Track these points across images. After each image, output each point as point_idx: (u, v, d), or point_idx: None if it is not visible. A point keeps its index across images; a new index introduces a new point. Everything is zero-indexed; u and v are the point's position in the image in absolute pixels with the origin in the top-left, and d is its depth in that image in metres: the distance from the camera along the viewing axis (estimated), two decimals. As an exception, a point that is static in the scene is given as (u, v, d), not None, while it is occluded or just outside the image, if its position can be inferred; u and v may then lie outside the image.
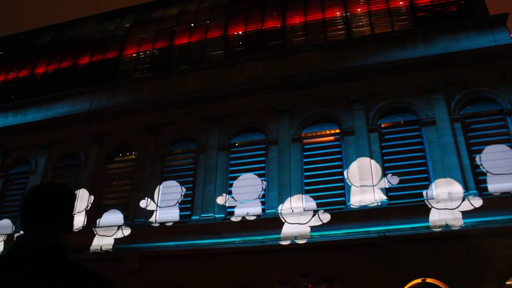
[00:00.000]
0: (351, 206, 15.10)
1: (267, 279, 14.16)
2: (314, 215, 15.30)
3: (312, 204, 15.69)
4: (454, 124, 15.46)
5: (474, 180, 14.46)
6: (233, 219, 16.32)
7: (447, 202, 14.15)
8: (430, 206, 14.29)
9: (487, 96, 15.75)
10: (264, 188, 16.53)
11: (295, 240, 14.84)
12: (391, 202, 14.97)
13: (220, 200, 16.78)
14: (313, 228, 15.00)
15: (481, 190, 14.32)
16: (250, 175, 16.97)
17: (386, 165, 15.57)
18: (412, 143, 15.91)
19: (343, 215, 15.08)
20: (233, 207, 16.68)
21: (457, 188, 14.28)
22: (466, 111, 15.87)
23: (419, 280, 13.60)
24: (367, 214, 14.68)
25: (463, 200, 14.02)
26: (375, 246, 13.78)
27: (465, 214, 13.78)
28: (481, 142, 15.11)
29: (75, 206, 2.51)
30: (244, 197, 16.64)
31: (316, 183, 16.08)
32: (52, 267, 2.14)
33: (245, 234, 15.52)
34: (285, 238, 15.03)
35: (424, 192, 14.69)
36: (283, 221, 15.48)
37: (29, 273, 2.09)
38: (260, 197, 16.50)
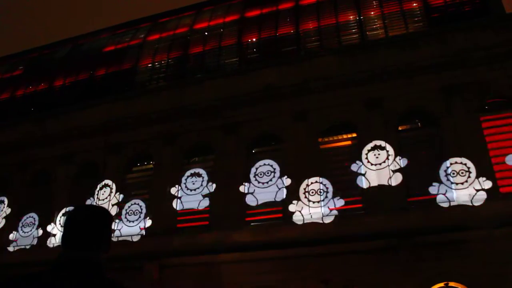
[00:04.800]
0: (370, 210, 14.98)
1: (287, 286, 14.14)
2: (333, 220, 15.21)
3: (332, 209, 15.59)
4: (472, 125, 15.26)
5: (496, 182, 14.22)
6: (252, 226, 16.31)
7: (468, 204, 13.93)
8: (450, 209, 14.09)
9: (506, 96, 15.52)
10: (282, 194, 16.49)
11: (315, 246, 14.74)
12: (411, 205, 14.81)
13: (238, 207, 16.79)
14: (333, 233, 14.89)
15: (504, 191, 14.08)
16: (268, 181, 16.93)
17: (404, 168, 15.40)
18: (430, 145, 15.73)
19: (362, 219, 14.96)
20: (252, 213, 16.68)
21: (478, 190, 14.06)
22: (485, 112, 15.64)
23: (441, 284, 13.41)
24: (386, 218, 14.53)
25: (484, 202, 13.79)
26: (396, 250, 13.62)
27: (488, 216, 13.53)
28: (501, 143, 14.86)
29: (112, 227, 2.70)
30: (263, 204, 16.62)
31: (335, 188, 15.97)
32: (89, 284, 2.28)
33: (264, 241, 15.48)
34: (305, 244, 14.94)
35: (444, 195, 14.48)
36: (303, 227, 15.41)
37: None
38: (278, 203, 16.45)
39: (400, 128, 16.51)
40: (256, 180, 17.13)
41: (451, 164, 14.73)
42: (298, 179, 16.33)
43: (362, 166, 15.85)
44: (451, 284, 13.35)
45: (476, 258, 12.95)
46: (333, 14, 20.17)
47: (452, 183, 14.52)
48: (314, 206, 15.71)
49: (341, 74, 17.40)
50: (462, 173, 14.48)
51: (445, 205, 14.25)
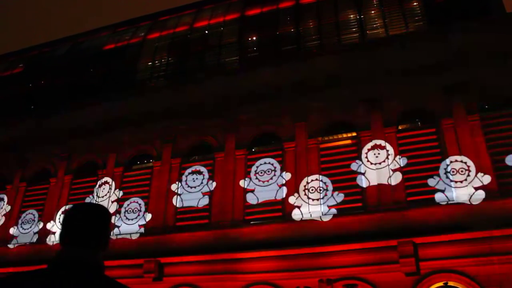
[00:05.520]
0: (371, 209, 15.00)
1: (287, 285, 14.16)
2: (333, 218, 15.23)
3: (331, 207, 15.61)
4: (473, 124, 15.26)
5: (496, 181, 14.23)
6: (252, 224, 16.34)
7: (468, 203, 13.95)
8: (450, 207, 14.10)
9: (507, 96, 15.51)
10: (282, 192, 16.51)
11: (315, 244, 14.76)
12: (411, 204, 14.83)
13: (238, 205, 16.81)
14: (334, 232, 14.91)
15: (503, 191, 14.09)
16: (268, 179, 16.96)
17: (404, 166, 15.43)
18: (431, 145, 15.72)
19: (363, 218, 14.98)
20: (252, 212, 16.71)
21: (478, 189, 14.08)
22: (486, 111, 15.64)
23: (441, 284, 13.42)
24: (388, 217, 14.55)
25: (484, 201, 13.81)
26: (397, 249, 13.62)
27: (487, 215, 13.55)
28: (502, 142, 14.87)
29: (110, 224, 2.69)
30: (263, 202, 16.65)
31: (334, 187, 15.99)
32: (89, 283, 2.28)
33: (264, 239, 15.51)
34: (304, 242, 14.96)
35: (444, 194, 14.50)
36: (302, 225, 15.43)
37: None
38: (278, 201, 16.47)
39: (400, 128, 16.51)
40: (256, 178, 17.16)
41: (451, 162, 14.75)
42: (298, 178, 16.36)
43: (362, 165, 15.87)
44: (451, 283, 13.36)
45: (475, 257, 12.98)
46: (333, 13, 20.14)
47: (451, 181, 14.54)
48: (314, 204, 15.74)
49: (341, 73, 17.40)
50: (461, 171, 14.51)
51: (444, 203, 14.26)
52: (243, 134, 18.24)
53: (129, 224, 18.17)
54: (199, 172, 18.37)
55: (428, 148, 15.61)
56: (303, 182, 16.19)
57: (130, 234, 17.84)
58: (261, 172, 17.23)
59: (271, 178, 16.95)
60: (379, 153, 15.81)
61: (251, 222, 16.53)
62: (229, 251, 15.64)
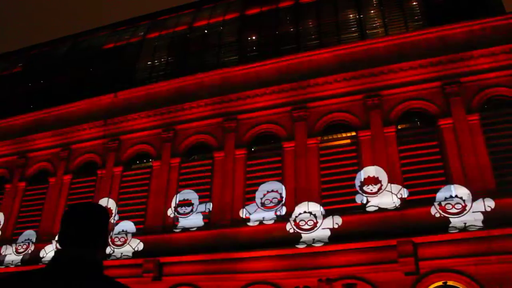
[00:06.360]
0: (370, 209, 15.00)
1: (286, 284, 14.16)
2: (332, 219, 15.22)
3: (330, 208, 15.61)
4: (472, 124, 15.26)
5: (494, 181, 14.24)
6: (250, 224, 16.33)
7: (467, 203, 13.95)
8: (449, 207, 14.10)
9: (506, 95, 15.53)
10: (281, 193, 16.50)
11: (314, 244, 14.77)
12: (410, 204, 14.82)
13: (236, 205, 16.81)
14: (333, 232, 14.92)
15: (502, 190, 14.10)
16: (268, 180, 16.95)
17: (403, 166, 15.43)
18: (429, 144, 15.72)
19: (362, 218, 14.98)
20: (251, 212, 16.70)
21: (476, 189, 14.08)
22: (484, 111, 15.64)
23: (440, 283, 13.43)
24: (386, 216, 14.56)
25: (483, 201, 13.81)
26: (396, 249, 13.62)
27: (486, 215, 13.56)
28: (500, 141, 14.88)
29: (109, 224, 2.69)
30: (262, 202, 16.64)
31: (333, 187, 16.00)
32: (88, 283, 2.28)
33: (263, 238, 15.51)
34: (304, 242, 14.97)
35: (443, 193, 14.50)
36: (301, 225, 15.43)
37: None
38: (277, 202, 16.47)
39: (399, 127, 16.51)
40: (255, 177, 17.17)
41: (449, 161, 14.76)
42: (297, 177, 16.36)
43: (361, 164, 15.87)
44: (450, 282, 13.36)
45: (474, 257, 12.98)
46: (333, 12, 20.14)
47: (450, 179, 14.55)
48: (312, 204, 15.74)
49: (340, 72, 17.39)
50: (460, 170, 14.52)
51: (442, 204, 14.27)
52: (242, 133, 18.23)
53: (129, 224, 18.16)
54: (198, 172, 18.36)
55: (427, 148, 15.61)
56: (302, 182, 16.17)
57: (130, 233, 17.83)
58: (261, 172, 17.23)
59: (270, 178, 16.93)
60: (378, 153, 15.80)
61: (250, 223, 16.50)
62: (228, 250, 15.64)
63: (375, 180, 15.37)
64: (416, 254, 13.51)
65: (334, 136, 17.33)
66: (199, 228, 17.03)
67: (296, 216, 15.61)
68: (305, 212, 15.62)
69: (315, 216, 15.37)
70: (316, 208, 15.63)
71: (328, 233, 14.94)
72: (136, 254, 17.06)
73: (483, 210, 13.67)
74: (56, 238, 18.22)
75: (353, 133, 16.87)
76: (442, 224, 13.77)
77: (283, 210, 16.14)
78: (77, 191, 20.30)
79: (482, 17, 16.83)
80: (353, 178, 15.83)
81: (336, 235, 14.70)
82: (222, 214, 16.82)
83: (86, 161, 20.90)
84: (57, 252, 2.40)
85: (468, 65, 15.98)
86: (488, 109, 15.72)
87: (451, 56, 16.18)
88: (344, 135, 17.25)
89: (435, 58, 16.32)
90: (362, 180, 15.61)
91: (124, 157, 19.98)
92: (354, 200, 15.54)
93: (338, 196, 15.80)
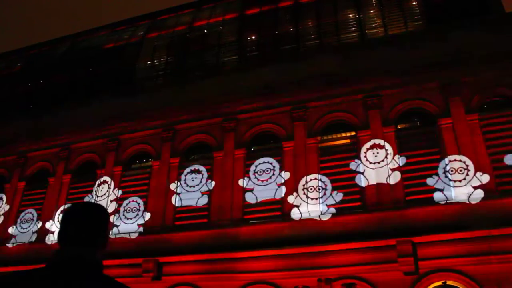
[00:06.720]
0: (370, 208, 15.00)
1: (286, 284, 14.15)
2: (332, 218, 15.23)
3: (330, 206, 15.62)
4: (471, 124, 15.26)
5: (494, 180, 14.24)
6: (250, 223, 16.33)
7: (467, 203, 13.95)
8: (449, 207, 14.10)
9: (505, 95, 15.52)
10: (281, 192, 16.50)
11: (314, 243, 14.76)
12: (410, 203, 14.83)
13: (236, 205, 16.80)
14: (333, 231, 14.91)
15: (501, 191, 14.10)
16: (267, 179, 16.95)
17: (403, 166, 15.43)
18: (429, 144, 15.72)
19: (362, 217, 14.98)
20: (251, 211, 16.71)
21: (476, 188, 14.09)
22: (484, 111, 15.64)
23: (439, 283, 13.43)
24: (386, 216, 14.55)
25: (483, 200, 13.82)
26: (395, 249, 13.62)
27: (485, 214, 13.55)
28: (500, 142, 14.87)
29: (108, 223, 2.68)
30: (262, 202, 16.65)
31: (333, 186, 15.99)
32: (88, 282, 2.28)
33: (263, 238, 15.50)
34: (303, 242, 14.96)
35: (443, 193, 14.51)
36: (301, 224, 15.43)
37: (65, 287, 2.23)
38: (277, 201, 16.47)
39: (399, 127, 16.51)
40: (255, 177, 17.16)
41: (449, 161, 14.76)
42: (297, 177, 16.36)
43: (361, 164, 15.88)
44: (449, 282, 13.36)
45: (474, 257, 12.98)
46: (332, 12, 20.13)
47: (450, 180, 14.55)
48: (313, 203, 15.74)
49: (340, 72, 17.39)
50: (460, 170, 14.52)
51: (443, 203, 14.27)
52: (242, 133, 18.23)
53: (128, 224, 18.16)
54: (198, 172, 18.36)
55: (427, 147, 15.62)
56: (302, 182, 16.19)
57: (129, 233, 17.83)
58: (260, 172, 17.22)
59: (270, 178, 16.95)
60: (378, 153, 15.81)
61: (250, 222, 16.53)
62: (228, 250, 15.63)
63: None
64: (416, 254, 13.51)
65: (334, 136, 17.32)
66: (198, 228, 17.03)
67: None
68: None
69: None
70: (316, 208, 15.64)
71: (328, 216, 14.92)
72: (135, 254, 17.05)
73: (483, 210, 13.66)
74: (55, 237, 18.26)
75: (353, 133, 16.87)
76: (442, 224, 13.76)
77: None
78: (76, 191, 20.30)
79: (481, 17, 16.84)
80: (353, 178, 15.85)
81: (335, 235, 14.68)
82: (222, 213, 16.82)
83: (85, 161, 20.91)
84: (57, 251, 2.39)
85: (468, 65, 15.97)
86: (487, 109, 15.72)
87: (451, 56, 16.17)
88: (343, 134, 17.25)
89: (435, 58, 16.31)
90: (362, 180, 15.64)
91: (123, 157, 19.98)
92: (354, 200, 15.55)
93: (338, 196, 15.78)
